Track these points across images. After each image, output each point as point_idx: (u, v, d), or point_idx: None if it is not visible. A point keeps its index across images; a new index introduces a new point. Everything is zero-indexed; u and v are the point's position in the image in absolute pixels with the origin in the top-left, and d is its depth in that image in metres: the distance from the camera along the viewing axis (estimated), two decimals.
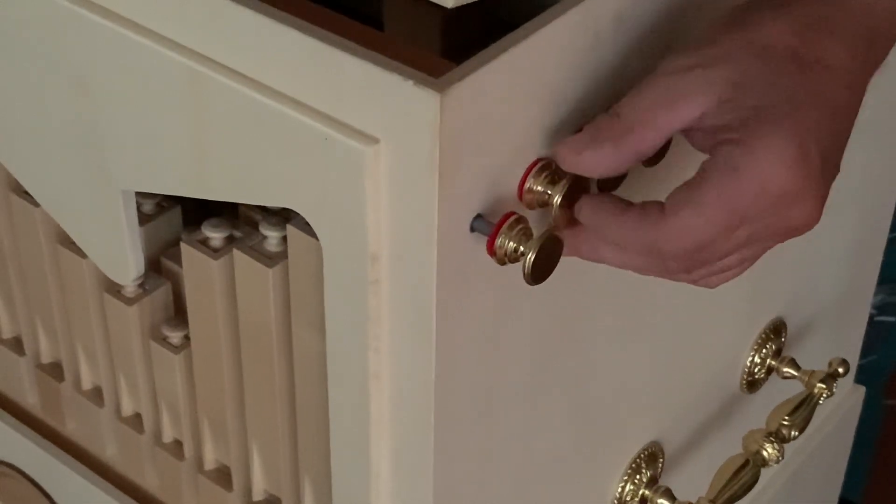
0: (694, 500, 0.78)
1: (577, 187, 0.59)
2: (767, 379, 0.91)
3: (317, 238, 0.60)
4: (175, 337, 0.75)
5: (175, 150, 0.63)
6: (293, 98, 0.57)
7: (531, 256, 0.57)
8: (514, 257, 0.57)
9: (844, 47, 0.57)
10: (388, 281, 0.59)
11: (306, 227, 0.62)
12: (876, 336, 1.10)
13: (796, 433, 0.83)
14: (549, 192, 0.59)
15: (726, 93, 0.55)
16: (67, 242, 0.76)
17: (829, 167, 0.56)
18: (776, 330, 0.91)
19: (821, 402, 0.85)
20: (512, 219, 0.57)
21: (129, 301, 0.75)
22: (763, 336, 0.90)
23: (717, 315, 0.83)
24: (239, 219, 0.72)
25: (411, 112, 0.53)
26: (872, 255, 1.02)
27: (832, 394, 0.86)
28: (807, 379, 0.87)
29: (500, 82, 0.55)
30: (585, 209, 0.58)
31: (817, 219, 0.57)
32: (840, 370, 0.87)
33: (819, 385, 0.86)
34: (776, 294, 0.90)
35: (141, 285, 0.75)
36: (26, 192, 0.76)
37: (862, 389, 1.09)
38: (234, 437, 0.75)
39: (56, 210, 0.73)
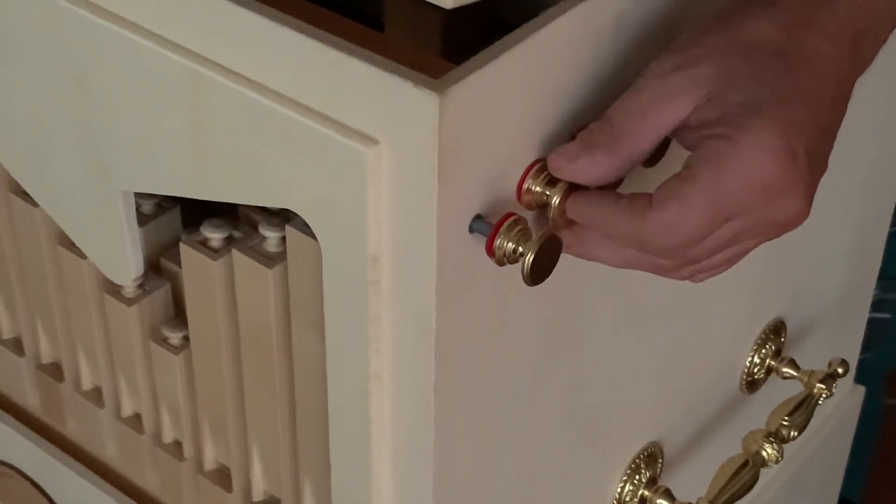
0: (693, 501, 0.78)
1: (576, 188, 0.59)
2: (767, 379, 0.91)
3: (316, 239, 0.60)
4: (175, 337, 0.75)
5: (175, 150, 0.63)
6: (293, 99, 0.57)
7: (530, 257, 0.57)
8: (514, 258, 0.57)
9: (830, 44, 0.57)
10: (387, 281, 0.59)
11: (306, 228, 0.62)
12: (871, 333, 1.10)
13: (796, 433, 0.83)
14: (548, 192, 0.59)
15: (712, 90, 0.56)
16: (67, 243, 0.76)
17: (816, 162, 0.56)
18: (776, 330, 0.91)
19: (820, 402, 0.85)
20: (511, 219, 0.57)
21: (129, 301, 0.75)
22: (763, 336, 0.90)
23: (717, 315, 0.83)
24: (238, 219, 0.72)
25: (411, 113, 0.53)
26: (872, 256, 1.02)
27: (832, 394, 0.86)
28: (806, 379, 0.87)
29: (500, 83, 0.55)
30: (575, 203, 0.58)
31: (805, 213, 0.57)
32: (839, 370, 0.87)
33: (819, 385, 0.86)
34: (776, 294, 0.90)
35: (141, 286, 0.75)
36: (26, 193, 0.76)
37: (861, 389, 1.09)
38: (234, 437, 0.75)
39: (56, 211, 0.73)
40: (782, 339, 0.91)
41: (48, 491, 0.88)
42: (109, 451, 0.85)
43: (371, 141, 0.55)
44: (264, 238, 0.68)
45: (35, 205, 0.76)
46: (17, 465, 0.90)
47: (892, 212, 1.01)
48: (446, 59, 0.55)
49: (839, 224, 0.93)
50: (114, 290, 0.75)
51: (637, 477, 0.81)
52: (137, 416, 0.81)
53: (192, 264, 0.70)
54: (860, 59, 0.59)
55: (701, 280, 0.61)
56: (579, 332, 0.70)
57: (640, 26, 0.61)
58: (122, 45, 0.62)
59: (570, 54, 0.58)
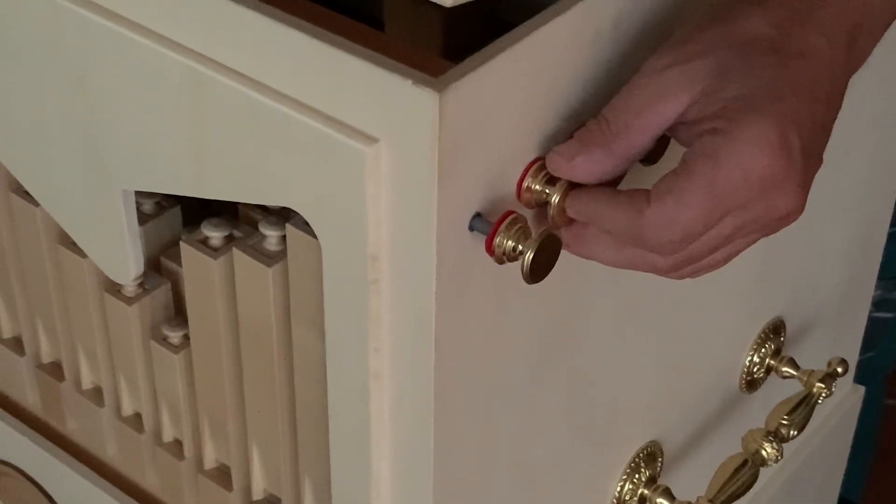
0: (693, 500, 0.78)
1: (575, 186, 0.59)
2: (766, 378, 0.91)
3: (316, 237, 0.60)
4: (175, 336, 0.75)
5: (175, 149, 0.63)
6: (293, 98, 0.57)
7: (529, 255, 0.57)
8: (513, 256, 0.57)
9: (825, 40, 0.57)
10: (387, 280, 0.59)
11: (306, 227, 0.62)
12: (873, 333, 1.10)
13: (795, 433, 0.83)
14: (548, 191, 0.59)
15: (707, 86, 0.56)
16: (67, 242, 0.76)
17: (810, 157, 0.57)
18: (775, 329, 0.91)
19: (820, 401, 0.85)
20: (510, 218, 0.57)
21: (129, 300, 0.75)
22: (762, 335, 0.90)
23: (717, 315, 0.84)
24: (238, 218, 0.72)
25: (410, 111, 0.53)
26: (872, 255, 1.02)
27: (831, 393, 0.86)
28: (806, 378, 0.87)
29: (499, 81, 0.55)
30: (574, 200, 0.58)
31: (801, 207, 0.57)
32: (839, 370, 0.87)
33: (818, 384, 0.86)
34: (776, 294, 0.90)
35: (141, 285, 0.75)
36: (26, 192, 0.76)
37: (861, 389, 1.09)
38: (234, 436, 0.75)
39: (56, 210, 0.73)
40: (782, 339, 0.91)
41: (48, 490, 0.88)
42: (109, 451, 0.85)
43: (371, 139, 0.55)
44: (264, 237, 0.68)
45: (35, 204, 0.76)
46: (17, 464, 0.90)
47: (891, 210, 1.01)
48: (446, 57, 0.55)
49: (838, 222, 0.93)
50: (114, 289, 0.75)
51: (637, 476, 0.81)
52: (137, 416, 0.81)
53: (193, 263, 0.70)
54: (855, 55, 0.59)
55: (697, 276, 0.61)
56: (579, 331, 0.70)
57: (639, 25, 0.62)
58: (122, 44, 0.62)
59: (570, 53, 0.58)
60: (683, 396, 0.84)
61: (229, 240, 0.70)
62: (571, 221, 0.60)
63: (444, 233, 0.56)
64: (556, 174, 0.58)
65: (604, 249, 0.60)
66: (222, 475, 0.78)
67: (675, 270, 0.59)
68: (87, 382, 0.83)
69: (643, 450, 0.81)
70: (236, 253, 0.68)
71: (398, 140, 0.55)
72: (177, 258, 0.73)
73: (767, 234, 0.59)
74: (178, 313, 0.76)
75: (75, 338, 0.81)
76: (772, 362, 0.90)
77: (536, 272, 0.58)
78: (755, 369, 0.90)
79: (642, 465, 0.81)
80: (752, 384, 0.90)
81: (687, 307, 0.79)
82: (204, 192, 0.63)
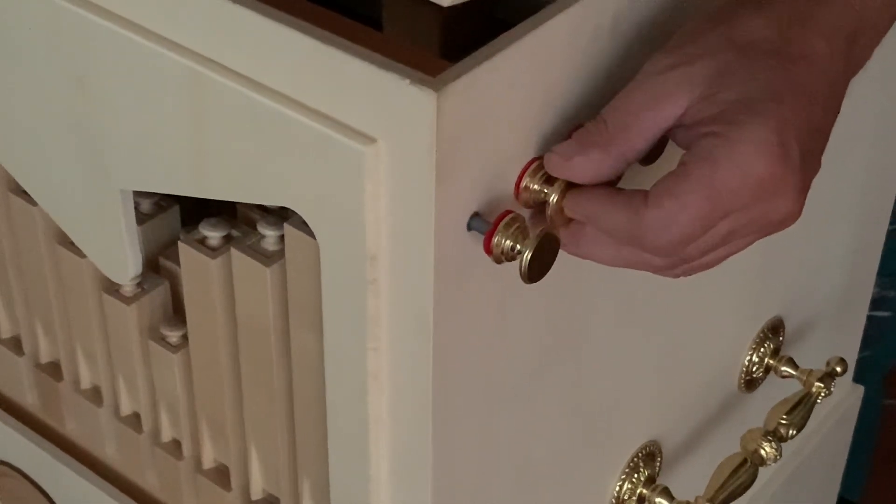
0: (692, 499, 0.78)
1: (574, 185, 0.59)
2: (766, 378, 0.91)
3: (315, 237, 0.60)
4: (173, 336, 0.75)
5: (174, 149, 0.63)
6: (291, 98, 0.57)
7: (528, 255, 0.57)
8: (511, 255, 0.57)
9: (825, 43, 0.57)
10: (386, 280, 0.59)
11: (304, 227, 0.62)
12: (871, 332, 1.10)
13: (794, 432, 0.83)
14: (546, 190, 0.59)
15: (706, 89, 0.56)
16: (66, 242, 0.76)
17: (809, 160, 0.57)
18: (774, 329, 0.91)
19: (819, 401, 0.85)
20: (509, 217, 0.57)
21: (128, 300, 0.75)
22: (761, 335, 0.90)
23: (716, 314, 0.84)
24: (237, 218, 0.72)
25: (408, 111, 0.53)
26: (871, 254, 1.02)
27: (830, 393, 0.86)
28: (805, 378, 0.87)
29: (497, 81, 0.55)
30: (572, 199, 0.58)
31: (798, 211, 0.57)
32: (838, 369, 0.87)
33: (817, 384, 0.86)
34: (775, 293, 0.90)
35: (139, 285, 0.75)
36: (25, 192, 0.76)
37: (860, 389, 1.09)
38: (233, 436, 0.75)
39: (55, 209, 0.73)
40: (781, 338, 0.91)
41: (47, 490, 0.89)
42: (108, 450, 0.85)
43: (369, 139, 0.55)
44: (263, 237, 0.68)
45: (34, 204, 0.76)
46: (16, 464, 0.90)
47: (890, 210, 1.01)
48: (444, 57, 0.55)
49: (838, 222, 0.93)
50: (112, 288, 0.75)
51: (636, 475, 0.81)
52: (136, 415, 0.81)
53: (191, 263, 0.70)
54: (855, 59, 0.59)
55: (693, 273, 0.61)
56: (578, 331, 0.70)
57: (637, 25, 0.62)
58: (122, 44, 0.62)
59: (568, 53, 0.58)
60: (682, 396, 0.84)
61: (228, 240, 0.70)
62: (569, 221, 0.60)
63: (442, 232, 0.56)
64: (554, 174, 0.58)
65: (601, 249, 0.60)
66: (221, 475, 0.78)
67: (669, 269, 0.60)
68: (85, 382, 0.83)
69: (642, 449, 0.81)
70: (235, 253, 0.68)
71: (396, 140, 0.55)
72: (175, 258, 0.73)
73: (763, 236, 0.59)
74: (177, 313, 0.76)
75: (74, 338, 0.81)
76: (771, 362, 0.90)
77: (535, 272, 0.58)
78: (754, 369, 0.90)
79: (641, 464, 0.81)
80: (751, 384, 0.90)
81: (686, 307, 0.79)
82: (203, 192, 0.63)
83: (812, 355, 0.97)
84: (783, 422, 0.82)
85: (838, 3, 0.58)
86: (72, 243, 0.75)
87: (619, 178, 0.59)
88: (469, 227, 0.57)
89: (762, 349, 0.89)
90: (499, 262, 0.57)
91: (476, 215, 0.57)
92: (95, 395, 0.83)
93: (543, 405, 0.70)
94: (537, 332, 0.66)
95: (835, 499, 1.16)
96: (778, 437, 0.81)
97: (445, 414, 0.62)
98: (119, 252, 0.71)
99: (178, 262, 0.72)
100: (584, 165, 0.57)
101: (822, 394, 0.85)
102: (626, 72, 0.59)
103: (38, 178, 0.73)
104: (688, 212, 0.55)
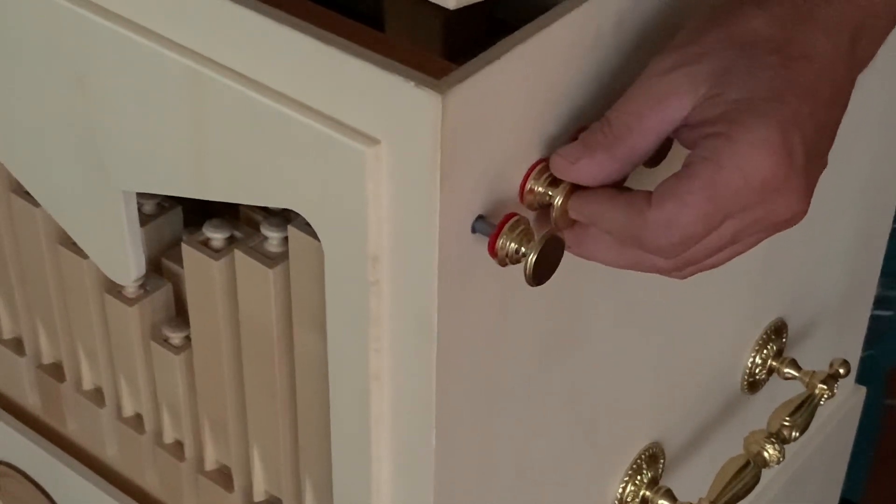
0: (695, 501, 0.78)
1: (578, 187, 0.59)
2: (768, 380, 0.91)
3: (318, 239, 0.60)
4: (176, 337, 0.75)
5: (175, 150, 0.63)
6: (294, 99, 0.57)
7: (532, 257, 0.57)
8: (516, 258, 0.57)
9: (828, 41, 0.57)
10: (388, 282, 0.59)
11: (307, 228, 0.62)
12: (873, 331, 1.10)
13: (797, 434, 0.83)
14: (551, 193, 0.59)
15: (710, 89, 0.56)
16: (68, 243, 0.76)
17: (814, 159, 0.56)
18: (777, 330, 0.91)
19: (822, 402, 0.85)
20: (513, 220, 0.57)
21: (130, 301, 0.75)
22: (764, 337, 0.90)
23: (718, 316, 0.83)
24: (240, 219, 0.72)
25: (412, 113, 0.53)
26: (873, 256, 1.02)
27: (833, 394, 0.86)
28: (808, 379, 0.87)
29: (502, 83, 0.54)
30: (577, 201, 0.58)
31: (804, 211, 0.57)
32: (841, 371, 0.87)
33: (820, 386, 0.85)
34: (777, 295, 0.90)
35: (142, 286, 0.75)
36: (27, 193, 0.76)
37: (863, 390, 1.09)
38: (235, 437, 0.75)
39: (57, 210, 0.73)
40: (783, 340, 0.91)
41: (48, 491, 0.88)
42: (110, 451, 0.85)
43: (372, 140, 0.55)
44: (266, 238, 0.68)
45: (36, 204, 0.76)
46: (17, 464, 0.90)
47: (893, 211, 1.01)
48: (448, 59, 0.55)
49: (840, 223, 0.93)
50: (115, 290, 0.75)
51: (638, 477, 0.81)
52: (138, 416, 0.81)
53: (194, 264, 0.70)
54: (859, 56, 0.59)
55: (698, 272, 0.61)
56: (581, 333, 0.69)
57: (640, 26, 0.61)
58: (122, 44, 0.62)
59: (572, 55, 0.58)
60: (685, 398, 0.84)
61: (230, 241, 0.70)
62: (574, 223, 0.59)
63: (446, 234, 0.56)
64: (559, 177, 0.58)
65: (605, 251, 0.60)
66: (223, 476, 0.78)
67: (676, 271, 0.59)
68: (87, 383, 0.83)
69: (645, 451, 0.81)
70: (237, 254, 0.68)
71: (400, 141, 0.55)
72: (178, 259, 0.73)
73: (768, 236, 0.59)
74: (179, 314, 0.76)
75: (76, 338, 0.81)
76: (774, 363, 0.90)
77: (539, 274, 0.57)
78: (757, 370, 0.90)
79: (644, 466, 0.81)
80: (753, 385, 0.90)
81: (689, 308, 0.79)
82: (204, 194, 0.63)
83: (815, 357, 0.97)
84: (786, 423, 0.82)
85: (842, 0, 0.58)
86: (74, 244, 0.75)
87: (624, 179, 0.59)
88: (473, 230, 0.57)
89: (765, 350, 0.89)
90: (503, 264, 0.57)
91: (480, 218, 0.57)
92: (97, 395, 0.83)
93: (545, 406, 0.70)
94: (540, 334, 0.66)
95: (837, 500, 1.16)
96: (781, 439, 0.81)
97: (447, 415, 0.62)
98: (121, 253, 0.71)
99: (180, 264, 0.72)
100: (590, 169, 0.57)
101: (825, 395, 0.85)
102: (630, 73, 0.59)
103: (39, 179, 0.73)
104: (690, 213, 0.55)
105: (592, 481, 0.78)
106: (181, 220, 0.76)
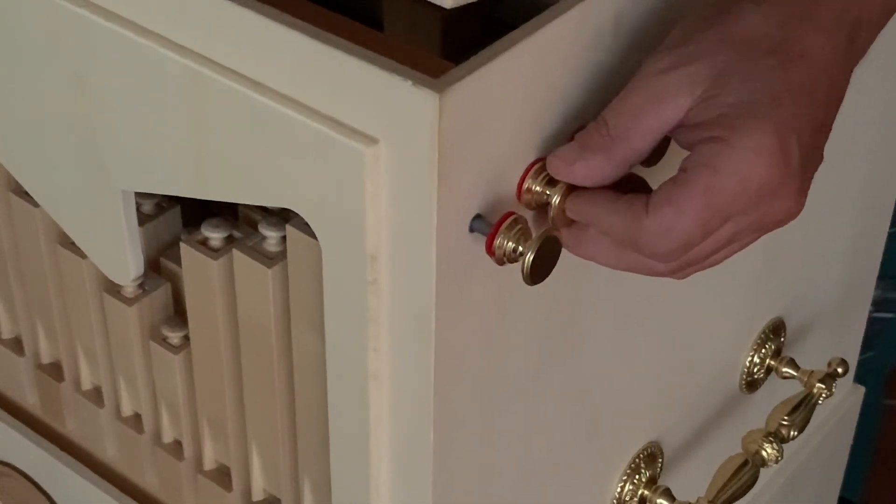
0: (693, 500, 0.78)
1: (576, 187, 0.59)
2: (767, 379, 0.91)
3: (316, 238, 0.60)
4: (175, 337, 0.75)
5: (174, 150, 0.63)
6: (292, 98, 0.57)
7: (530, 256, 0.57)
8: (513, 257, 0.57)
9: (826, 39, 0.57)
10: (387, 281, 0.59)
11: (305, 227, 0.62)
12: (873, 333, 1.10)
13: (795, 433, 0.83)
14: (548, 192, 0.59)
15: (706, 90, 0.55)
16: (67, 243, 0.76)
17: (809, 158, 0.56)
18: (775, 330, 0.91)
19: (820, 402, 0.85)
20: (511, 219, 0.57)
21: (129, 301, 0.75)
22: (762, 336, 0.90)
23: (717, 315, 0.84)
24: (238, 219, 0.72)
25: (410, 112, 0.53)
26: (871, 255, 1.02)
27: (831, 394, 0.86)
28: (806, 379, 0.87)
29: (500, 83, 0.55)
30: (575, 201, 0.58)
31: (798, 210, 0.57)
32: (839, 370, 0.87)
33: (818, 385, 0.86)
34: (776, 294, 0.90)
35: (140, 285, 0.75)
36: (26, 192, 0.76)
37: (861, 389, 1.09)
38: (234, 437, 0.75)
39: (55, 210, 0.73)
40: (782, 339, 0.91)
41: (48, 490, 0.88)
42: (109, 451, 0.85)
43: (370, 140, 0.55)
44: (264, 238, 0.68)
45: (35, 204, 0.76)
46: (17, 464, 0.90)
47: (891, 211, 1.01)
48: (446, 58, 0.55)
49: (838, 223, 0.93)
50: (114, 289, 0.75)
51: (637, 476, 0.81)
52: (137, 416, 0.81)
53: (192, 264, 0.70)
54: (855, 51, 0.58)
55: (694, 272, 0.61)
56: (579, 332, 0.70)
57: (638, 25, 0.61)
58: (122, 44, 0.62)
59: (569, 54, 0.58)
60: (684, 397, 0.84)
61: (229, 241, 0.70)
62: (571, 223, 0.59)
63: (443, 234, 0.56)
64: (555, 177, 0.58)
65: (603, 252, 0.60)
66: (222, 476, 0.78)
67: (673, 273, 0.59)
68: (86, 383, 0.83)
69: (643, 450, 0.81)
70: (236, 254, 0.68)
71: (398, 141, 0.55)
72: (176, 259, 0.73)
73: (763, 235, 0.59)
74: (178, 314, 0.76)
75: (75, 338, 0.81)
76: (772, 363, 0.90)
77: (537, 273, 0.57)
78: (755, 370, 0.90)
79: (642, 465, 0.81)
80: (752, 384, 0.90)
81: (687, 308, 0.79)
82: (203, 193, 0.63)
83: (813, 356, 0.97)
84: (784, 423, 0.82)
85: None
86: (73, 244, 0.75)
87: (621, 179, 0.59)
88: (471, 229, 0.57)
89: (763, 350, 0.89)
90: (501, 263, 0.57)
91: (478, 217, 0.57)
92: (96, 395, 0.83)
93: (544, 406, 0.70)
94: (538, 333, 0.66)
95: (835, 499, 1.16)
96: (779, 438, 0.81)
97: (446, 414, 0.62)
98: (120, 253, 0.71)
99: (179, 263, 0.72)
100: (587, 169, 0.57)
101: (824, 395, 0.85)
102: (628, 72, 0.59)
103: (38, 179, 0.73)
104: (688, 219, 0.55)
105: (591, 480, 0.78)
106: (180, 219, 0.76)
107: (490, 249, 0.57)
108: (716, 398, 0.88)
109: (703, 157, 0.55)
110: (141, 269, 0.72)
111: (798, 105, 0.55)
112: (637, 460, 0.81)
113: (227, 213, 0.71)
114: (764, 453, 0.80)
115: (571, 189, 0.58)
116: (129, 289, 0.75)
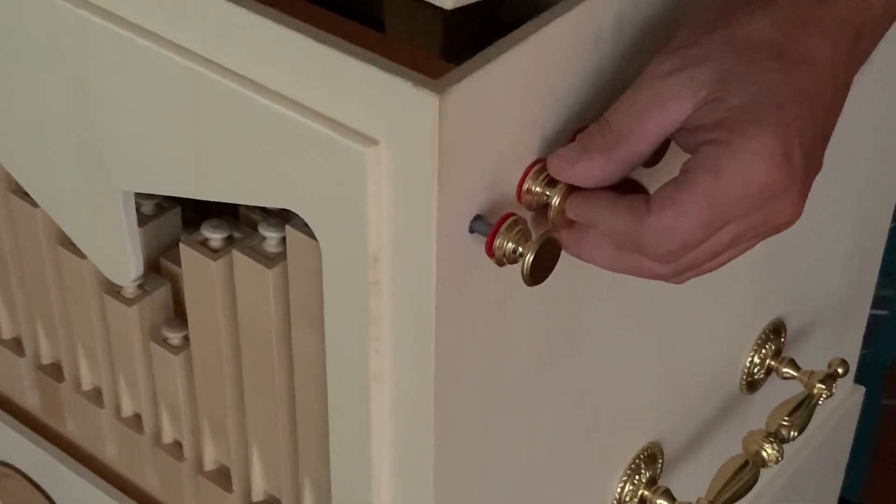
0: (693, 501, 0.78)
1: (576, 188, 0.59)
2: (767, 379, 0.91)
3: (316, 239, 0.60)
4: (175, 338, 0.75)
5: (175, 151, 0.63)
6: (293, 99, 0.57)
7: (530, 257, 0.57)
8: (513, 258, 0.57)
9: (829, 44, 0.57)
10: (387, 282, 0.59)
11: (305, 228, 0.62)
12: (869, 330, 1.10)
13: (796, 434, 0.83)
14: (548, 193, 0.59)
15: (710, 93, 0.55)
16: (67, 243, 0.76)
17: (811, 164, 0.56)
18: (776, 330, 0.91)
19: (820, 402, 0.85)
20: (511, 220, 0.57)
21: (129, 302, 0.75)
22: (763, 336, 0.90)
23: (717, 316, 0.84)
24: (238, 220, 0.72)
25: (411, 113, 0.53)
26: (872, 256, 1.02)
27: (832, 394, 0.86)
28: (806, 379, 0.87)
29: (500, 83, 0.55)
30: (575, 202, 0.58)
31: (799, 215, 0.57)
32: (839, 370, 0.87)
33: (818, 385, 0.86)
34: (776, 295, 0.90)
35: (141, 286, 0.75)
36: (26, 193, 0.76)
37: (861, 389, 1.09)
38: (234, 437, 0.75)
39: (56, 211, 0.73)
40: (782, 340, 0.91)
41: (48, 491, 0.88)
42: (109, 452, 0.85)
43: (371, 141, 0.55)
44: (264, 238, 0.68)
45: (35, 205, 0.76)
46: (17, 465, 0.90)
47: (892, 212, 1.01)
48: (446, 59, 0.55)
49: (839, 224, 0.93)
50: (114, 290, 0.75)
51: (637, 477, 0.81)
52: (137, 417, 0.81)
53: (192, 264, 0.70)
54: (857, 57, 0.59)
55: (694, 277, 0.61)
56: (579, 333, 0.70)
57: (639, 26, 0.61)
58: (122, 45, 0.62)
59: (570, 55, 0.58)
60: (684, 397, 0.84)
61: (229, 241, 0.70)
62: (571, 223, 0.59)
63: (444, 234, 0.56)
64: (557, 178, 0.58)
65: (602, 254, 0.60)
66: (222, 476, 0.78)
67: (673, 276, 0.59)
68: (86, 383, 0.83)
69: (643, 451, 0.81)
70: (236, 254, 0.68)
71: (398, 142, 0.55)
72: (177, 259, 0.73)
73: (764, 239, 0.59)
74: (178, 314, 0.76)
75: (75, 339, 0.81)
76: (772, 363, 0.90)
77: (536, 274, 0.57)
78: (755, 370, 0.90)
79: (643, 466, 0.81)
80: (752, 385, 0.90)
81: (687, 308, 0.79)
82: (204, 194, 0.63)
83: (813, 356, 0.97)
84: (784, 423, 0.82)
85: (843, 3, 0.58)
86: (73, 244, 0.75)
87: (622, 180, 0.59)
88: (471, 230, 0.57)
89: (763, 350, 0.89)
90: (500, 264, 0.57)
91: (478, 217, 0.57)
92: (96, 396, 0.83)
93: (544, 406, 0.70)
94: (538, 333, 0.66)
95: (835, 500, 1.16)
96: (779, 439, 0.81)
97: (447, 415, 0.62)
98: (120, 253, 0.71)
99: (179, 264, 0.72)
100: (588, 170, 0.57)
101: (824, 395, 0.85)
102: (629, 74, 0.59)
103: (38, 179, 0.73)
104: (689, 220, 0.55)
105: (591, 481, 0.78)
106: (180, 220, 0.76)
107: (490, 250, 0.57)
108: (716, 399, 0.88)
109: (706, 160, 0.55)
110: (141, 270, 0.72)
111: (801, 109, 0.55)
112: (637, 461, 0.81)
113: (227, 213, 0.71)
114: (764, 454, 0.80)
115: (571, 190, 0.58)
116: (130, 289, 0.75)
